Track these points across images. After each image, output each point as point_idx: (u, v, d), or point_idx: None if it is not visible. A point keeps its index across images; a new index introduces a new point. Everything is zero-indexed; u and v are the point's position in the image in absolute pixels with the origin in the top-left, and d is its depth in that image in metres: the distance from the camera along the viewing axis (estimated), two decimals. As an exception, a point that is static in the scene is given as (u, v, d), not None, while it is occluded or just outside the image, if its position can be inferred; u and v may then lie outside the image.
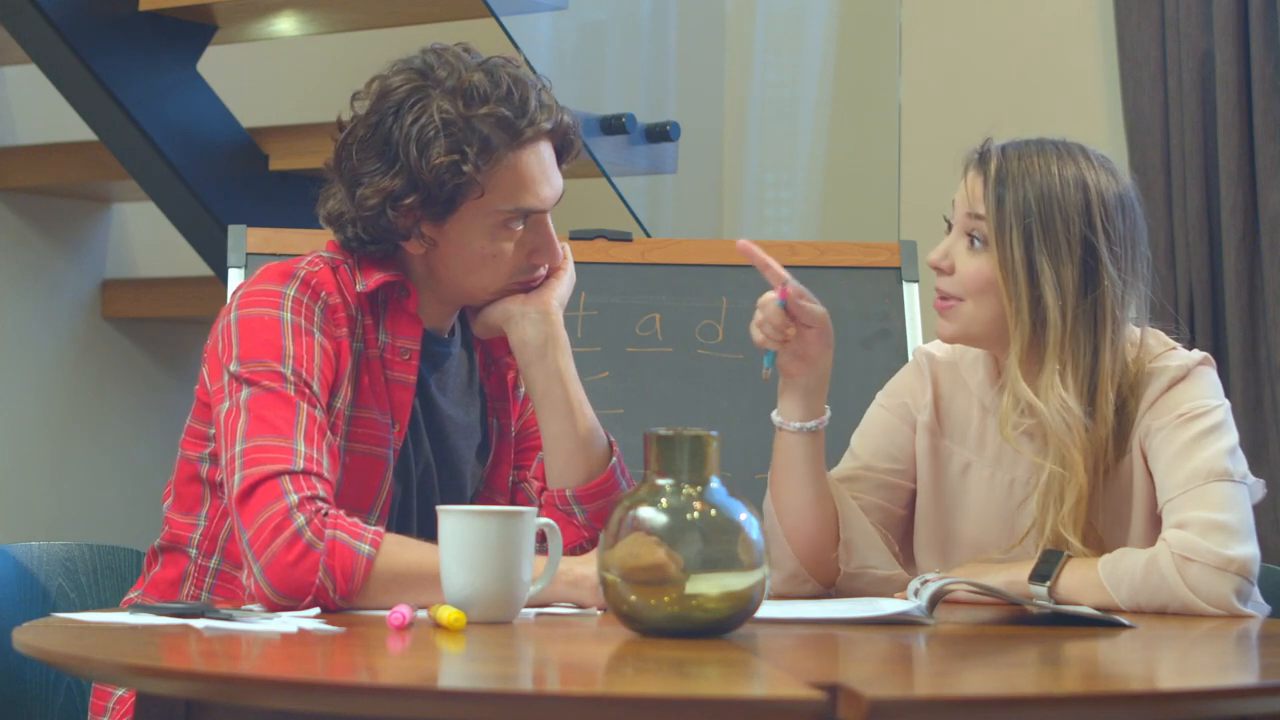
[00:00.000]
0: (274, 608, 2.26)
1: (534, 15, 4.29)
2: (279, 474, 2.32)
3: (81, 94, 4.08)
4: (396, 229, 2.49)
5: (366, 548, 2.29)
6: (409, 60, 2.52)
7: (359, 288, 2.51)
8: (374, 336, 2.52)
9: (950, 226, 2.60)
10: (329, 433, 2.41)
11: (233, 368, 2.42)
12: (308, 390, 2.41)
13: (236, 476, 2.34)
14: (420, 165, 2.45)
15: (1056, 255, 2.51)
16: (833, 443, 2.71)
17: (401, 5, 4.12)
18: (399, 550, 2.31)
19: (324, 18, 4.25)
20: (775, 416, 2.57)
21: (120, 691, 2.48)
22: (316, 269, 2.50)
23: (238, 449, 2.36)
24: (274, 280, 2.48)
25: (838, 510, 2.59)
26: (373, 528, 2.32)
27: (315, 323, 2.46)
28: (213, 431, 2.48)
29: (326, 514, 2.31)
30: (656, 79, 4.86)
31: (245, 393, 2.40)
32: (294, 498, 2.30)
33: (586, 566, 2.33)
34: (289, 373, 2.41)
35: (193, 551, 2.53)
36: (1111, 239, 2.54)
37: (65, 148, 4.45)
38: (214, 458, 2.49)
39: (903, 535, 2.69)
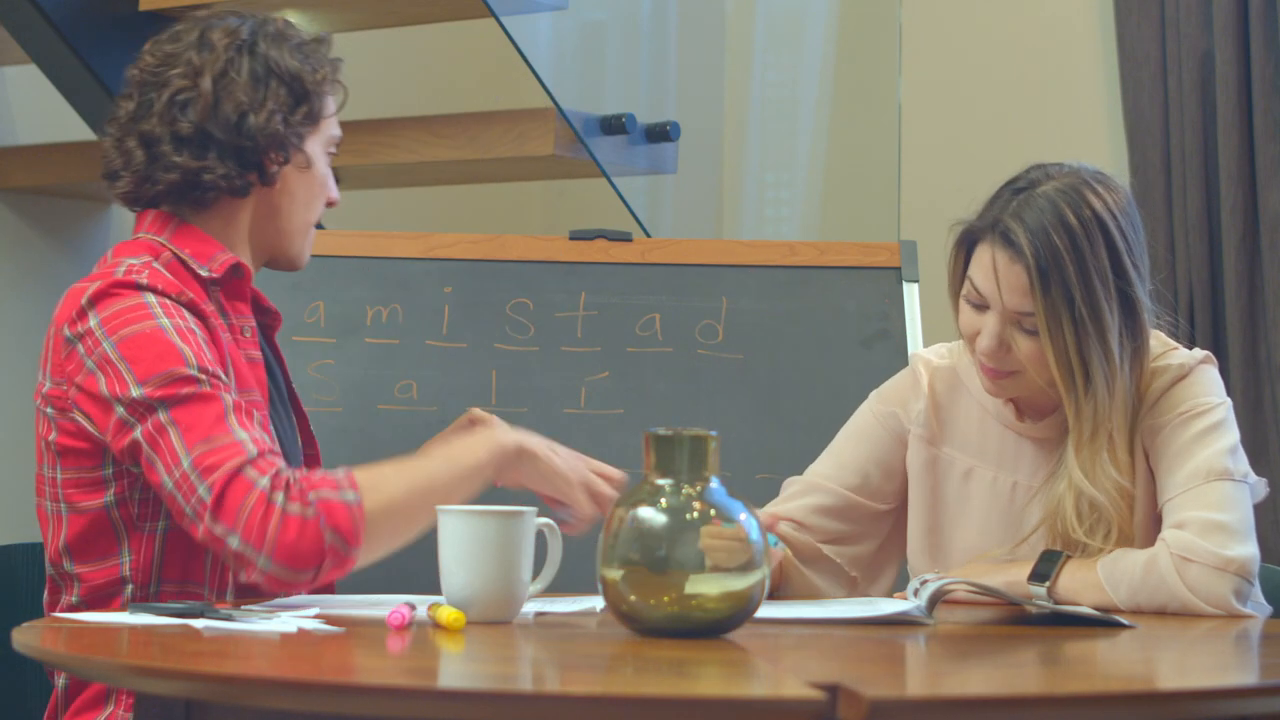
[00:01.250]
0: (292, 589, 2.27)
1: (534, 15, 4.29)
2: (239, 468, 2.30)
3: (81, 94, 4.08)
4: (286, 146, 2.52)
5: (351, 494, 2.28)
6: (211, 17, 2.59)
7: (204, 273, 2.50)
8: (220, 320, 2.50)
9: (965, 299, 2.54)
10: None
11: (135, 393, 2.36)
12: (219, 380, 2.38)
13: (200, 489, 2.30)
14: (306, 75, 2.54)
15: (1100, 324, 2.47)
16: (828, 442, 2.72)
17: (401, 5, 4.12)
18: (378, 482, 2.31)
19: (324, 18, 4.25)
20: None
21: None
22: (145, 274, 2.44)
23: (185, 465, 2.32)
24: (123, 295, 2.42)
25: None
26: (341, 470, 2.32)
27: (187, 318, 2.43)
28: (109, 472, 2.43)
29: (297, 480, 2.29)
30: (656, 79, 4.86)
31: (162, 412, 2.35)
32: (264, 481, 2.29)
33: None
34: (195, 372, 2.37)
35: (128, 588, 2.46)
36: (1134, 257, 2.51)
37: (65, 148, 4.45)
38: (121, 499, 2.44)
39: (866, 553, 2.69)
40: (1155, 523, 2.53)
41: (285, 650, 1.97)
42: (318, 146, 2.59)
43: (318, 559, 2.26)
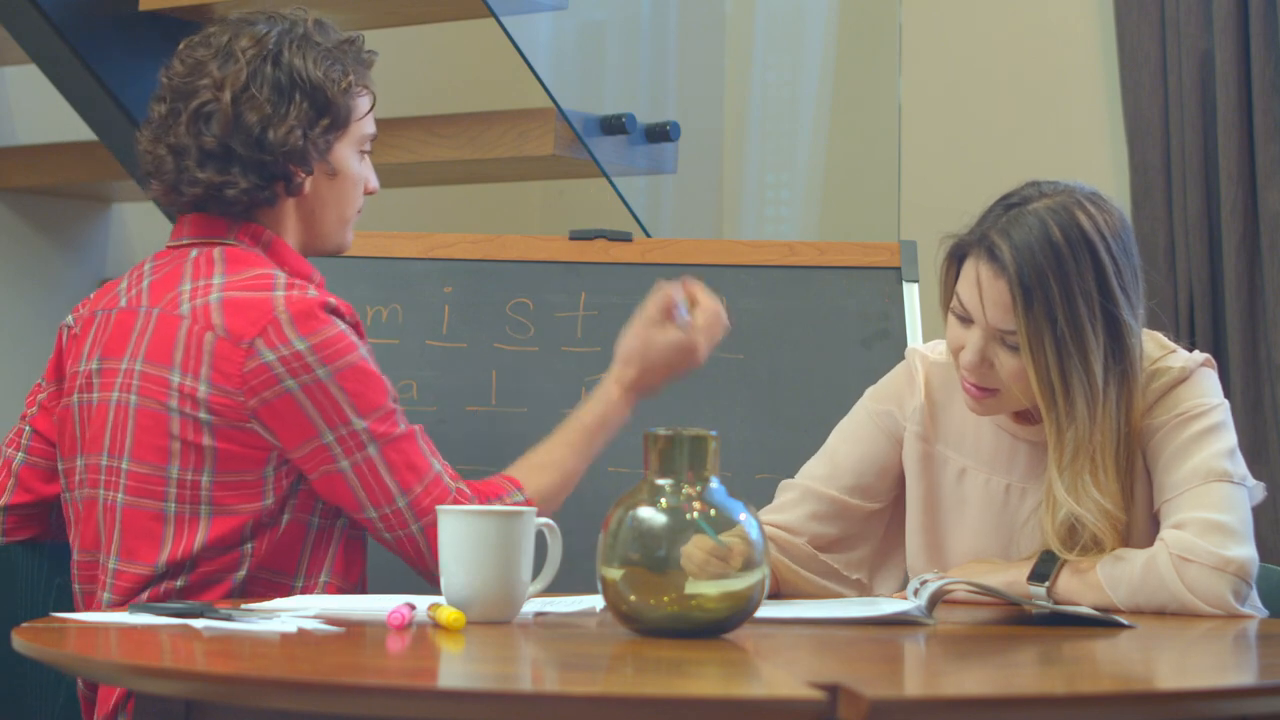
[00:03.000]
0: None
1: (534, 15, 4.29)
2: None
3: (81, 94, 4.08)
4: (308, 160, 2.55)
5: (518, 494, 2.57)
6: (242, 20, 2.60)
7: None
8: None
9: (953, 311, 2.53)
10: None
11: (357, 425, 2.46)
12: (399, 408, 2.52)
13: (412, 527, 2.50)
14: (328, 88, 2.56)
15: (1083, 346, 2.46)
16: (823, 441, 2.72)
17: (401, 5, 4.12)
18: (530, 474, 2.62)
19: (325, 18, 4.25)
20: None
21: None
22: (313, 291, 2.51)
23: (400, 504, 2.49)
24: (324, 321, 2.48)
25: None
26: (507, 477, 2.60)
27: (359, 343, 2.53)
28: (270, 474, 2.49)
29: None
30: (656, 79, 4.86)
31: (373, 448, 2.48)
32: None
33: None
34: (393, 404, 2.50)
35: (237, 575, 2.51)
36: (1123, 280, 2.50)
37: (65, 148, 4.46)
38: (275, 499, 2.49)
39: (864, 556, 2.69)
40: (1156, 523, 2.52)
41: (285, 650, 1.97)
42: (347, 149, 2.62)
43: None
